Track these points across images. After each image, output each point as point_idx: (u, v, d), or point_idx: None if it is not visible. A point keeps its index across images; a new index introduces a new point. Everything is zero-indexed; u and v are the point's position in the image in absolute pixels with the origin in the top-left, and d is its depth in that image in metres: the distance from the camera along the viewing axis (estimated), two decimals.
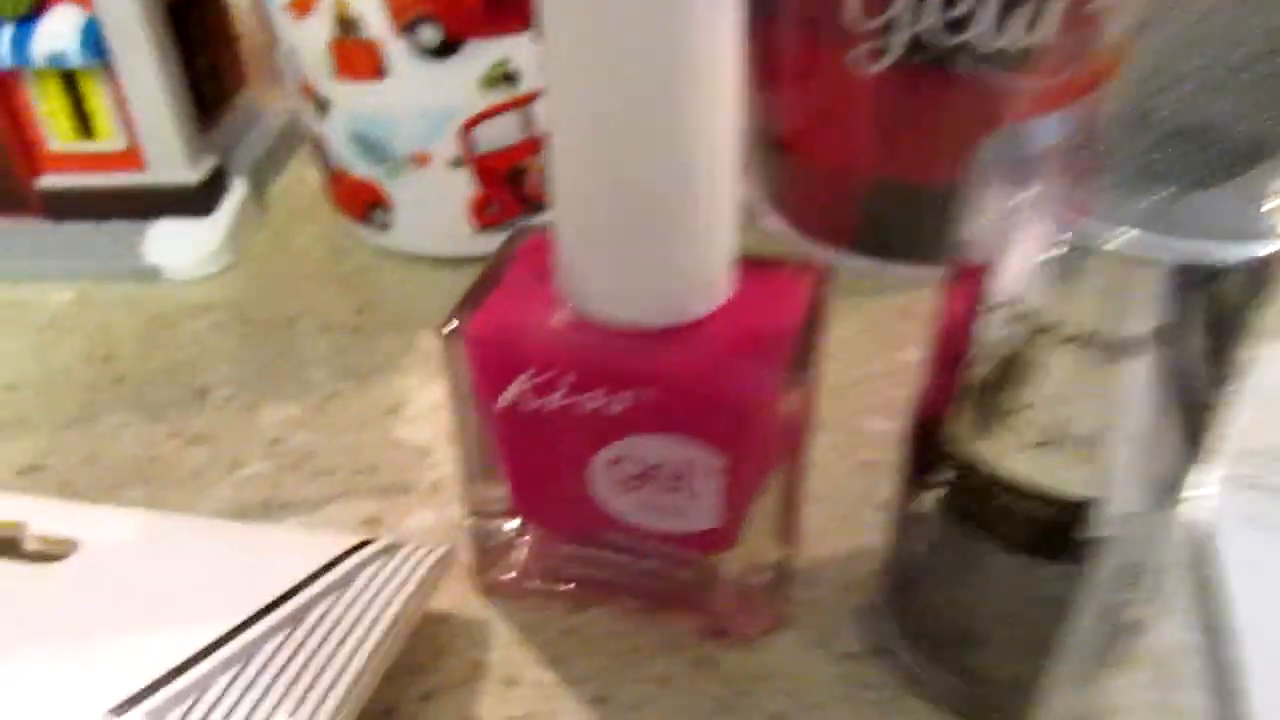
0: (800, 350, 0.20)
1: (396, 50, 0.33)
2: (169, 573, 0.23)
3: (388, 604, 0.22)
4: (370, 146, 0.36)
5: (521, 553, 0.26)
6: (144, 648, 0.21)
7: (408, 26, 0.33)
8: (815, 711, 0.23)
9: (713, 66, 0.18)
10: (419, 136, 0.36)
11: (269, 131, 0.47)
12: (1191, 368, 0.16)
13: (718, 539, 0.23)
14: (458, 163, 0.36)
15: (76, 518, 0.25)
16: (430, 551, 0.24)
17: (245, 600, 0.22)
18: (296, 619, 0.22)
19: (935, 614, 0.22)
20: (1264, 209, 0.16)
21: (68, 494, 0.29)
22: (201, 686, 0.20)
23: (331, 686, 0.20)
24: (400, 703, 0.23)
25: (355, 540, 0.24)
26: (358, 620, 0.22)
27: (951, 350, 0.19)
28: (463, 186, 0.37)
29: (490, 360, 0.21)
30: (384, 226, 0.39)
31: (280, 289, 0.39)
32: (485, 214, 0.38)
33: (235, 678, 0.20)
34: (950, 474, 0.20)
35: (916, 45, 0.32)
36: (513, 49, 0.34)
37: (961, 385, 0.19)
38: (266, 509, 0.28)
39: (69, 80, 0.38)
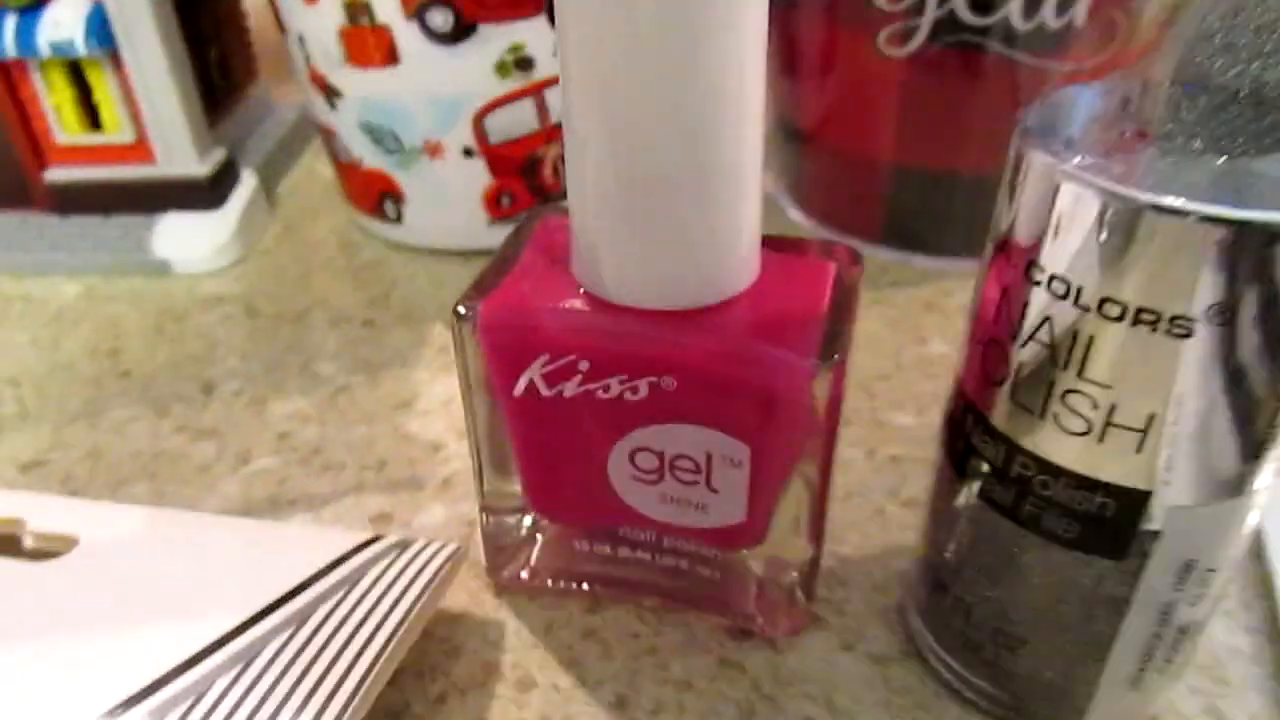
0: (829, 335, 0.19)
1: (407, 36, 0.33)
2: (170, 570, 0.22)
3: (396, 603, 0.21)
4: (381, 137, 0.36)
5: (537, 550, 0.25)
6: (144, 647, 0.20)
7: (418, 11, 0.32)
8: (844, 717, 0.22)
9: (737, 34, 0.17)
10: (431, 126, 0.35)
11: (281, 124, 0.47)
12: (1250, 347, 0.15)
13: (742, 535, 0.22)
14: (471, 153, 0.35)
15: (77, 514, 0.24)
16: (441, 549, 0.23)
17: (249, 598, 0.21)
18: (301, 618, 0.21)
19: (972, 614, 0.20)
20: None
21: (71, 490, 0.28)
22: (202, 686, 0.19)
23: (337, 687, 0.19)
24: (410, 705, 0.22)
25: (364, 537, 0.23)
26: (365, 619, 0.21)
27: (992, 333, 0.18)
28: (476, 177, 0.36)
29: (503, 346, 0.20)
30: (396, 219, 0.38)
31: (290, 283, 0.38)
32: (499, 206, 0.37)
33: (237, 678, 0.19)
34: (990, 465, 0.19)
35: (945, 27, 0.31)
36: (527, 33, 0.33)
37: (1003, 370, 0.18)
38: (274, 505, 0.28)
39: (76, 71, 0.37)
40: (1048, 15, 0.31)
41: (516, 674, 0.23)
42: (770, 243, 0.21)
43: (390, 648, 0.21)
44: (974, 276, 0.19)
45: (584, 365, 0.20)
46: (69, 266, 0.39)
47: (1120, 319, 0.16)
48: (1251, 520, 0.18)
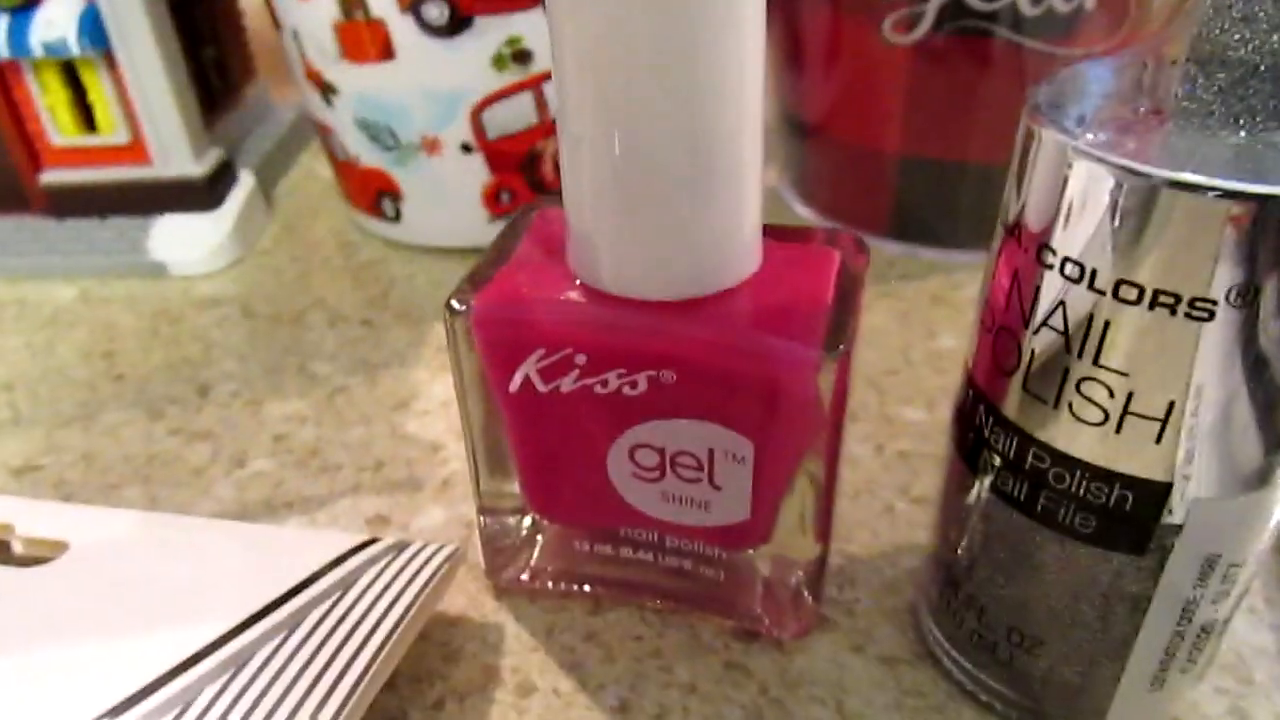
0: (834, 325, 0.19)
1: (402, 30, 0.32)
2: (161, 575, 0.22)
3: (392, 606, 0.21)
4: (378, 133, 0.35)
5: (537, 551, 0.24)
6: (132, 653, 0.20)
7: (413, 4, 0.31)
8: None
9: (735, 14, 0.16)
10: (428, 121, 0.34)
11: (280, 124, 0.46)
12: (1274, 330, 0.15)
13: (747, 533, 0.21)
14: (469, 148, 0.35)
15: (67, 519, 0.24)
16: (439, 550, 0.22)
17: (240, 603, 0.21)
18: (293, 623, 0.20)
19: (986, 613, 0.20)
20: None
21: (63, 494, 0.28)
22: (191, 694, 0.19)
23: (330, 693, 0.19)
24: (408, 710, 0.21)
25: (359, 539, 0.23)
26: (360, 623, 0.20)
27: (1003, 320, 0.17)
28: (475, 173, 0.36)
29: (497, 341, 0.20)
30: (394, 218, 0.38)
31: (288, 283, 0.37)
32: (499, 202, 0.36)
33: (227, 684, 0.19)
34: (1002, 458, 0.18)
35: (951, 12, 0.31)
36: (524, 25, 0.32)
37: (1014, 359, 0.17)
38: (269, 508, 0.27)
39: (70, 72, 0.37)
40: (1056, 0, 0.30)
41: (516, 678, 0.22)
42: (772, 232, 0.20)
43: (385, 652, 0.20)
44: (984, 268, 0.18)
45: (581, 359, 0.19)
46: (65, 269, 0.38)
47: (1137, 302, 0.15)
48: (1277, 513, 0.17)
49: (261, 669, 0.19)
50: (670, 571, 0.23)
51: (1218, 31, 0.15)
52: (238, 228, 0.39)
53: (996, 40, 0.31)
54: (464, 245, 0.38)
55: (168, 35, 0.37)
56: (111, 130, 0.38)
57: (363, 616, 0.20)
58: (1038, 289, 0.16)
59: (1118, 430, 0.16)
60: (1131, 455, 0.16)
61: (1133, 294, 0.15)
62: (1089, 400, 0.16)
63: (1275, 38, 0.15)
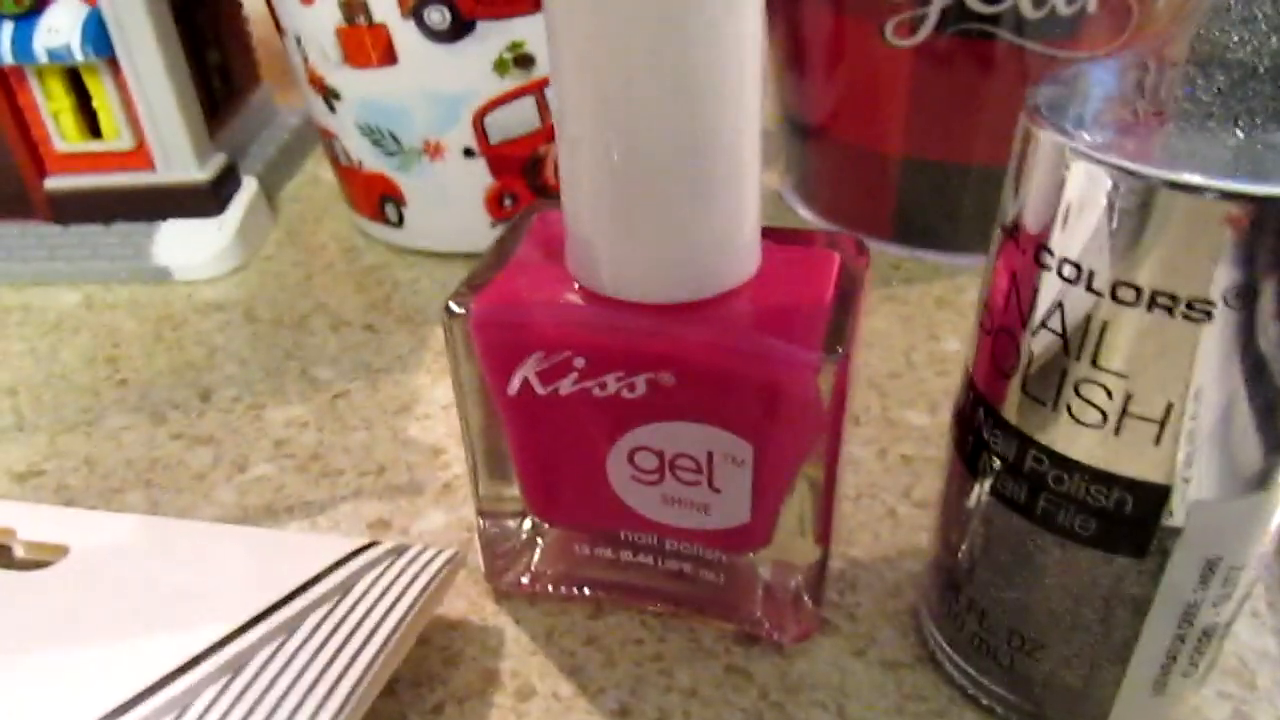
0: (834, 326, 0.19)
1: (404, 34, 0.32)
2: (160, 579, 0.22)
3: (390, 609, 0.21)
4: (381, 138, 0.35)
5: (537, 554, 0.24)
6: (130, 657, 0.20)
7: (415, 9, 0.32)
8: None
9: (732, 15, 0.16)
10: (430, 126, 0.34)
11: (284, 130, 0.46)
12: (1273, 331, 0.14)
13: (747, 537, 0.21)
14: (471, 153, 0.35)
15: (68, 523, 0.24)
16: (438, 554, 0.22)
17: (239, 606, 0.21)
18: (292, 626, 0.20)
19: (987, 617, 0.20)
20: None
21: (65, 499, 0.28)
22: (188, 698, 0.19)
23: (327, 697, 0.19)
24: (408, 714, 0.21)
25: (358, 543, 0.23)
26: (358, 627, 0.20)
27: (1002, 322, 0.17)
28: (477, 178, 0.36)
29: (496, 343, 0.20)
30: (397, 223, 0.38)
31: (291, 288, 0.37)
32: (501, 206, 0.37)
33: (225, 688, 0.19)
34: (1002, 460, 0.18)
35: (953, 15, 0.31)
36: (526, 30, 0.32)
37: (1013, 361, 0.17)
38: (270, 512, 0.27)
39: (74, 78, 0.37)
40: (1059, 1, 0.30)
41: (516, 682, 0.22)
42: (772, 234, 0.20)
43: (384, 656, 0.20)
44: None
45: (579, 362, 0.19)
46: (69, 275, 0.38)
47: (1135, 303, 0.15)
48: (1278, 516, 0.17)
49: (260, 672, 0.19)
50: (670, 575, 0.23)
51: (1217, 33, 0.15)
52: (241, 233, 0.39)
53: (999, 43, 0.31)
54: (467, 249, 0.38)
55: (171, 41, 0.37)
56: (115, 136, 0.38)
57: (362, 620, 0.20)
58: (1036, 290, 0.16)
59: (1117, 432, 0.16)
60: (1131, 457, 0.16)
61: (1131, 295, 0.15)
62: (1087, 402, 0.16)
63: (1275, 39, 0.15)
